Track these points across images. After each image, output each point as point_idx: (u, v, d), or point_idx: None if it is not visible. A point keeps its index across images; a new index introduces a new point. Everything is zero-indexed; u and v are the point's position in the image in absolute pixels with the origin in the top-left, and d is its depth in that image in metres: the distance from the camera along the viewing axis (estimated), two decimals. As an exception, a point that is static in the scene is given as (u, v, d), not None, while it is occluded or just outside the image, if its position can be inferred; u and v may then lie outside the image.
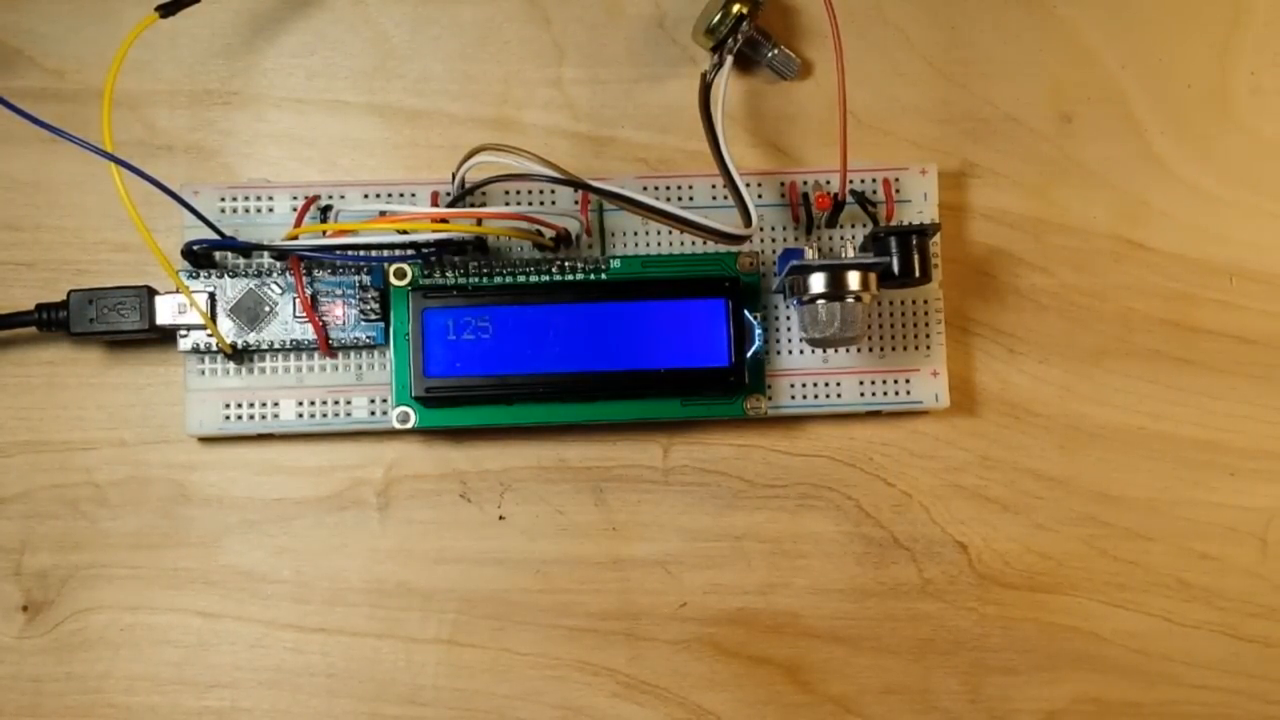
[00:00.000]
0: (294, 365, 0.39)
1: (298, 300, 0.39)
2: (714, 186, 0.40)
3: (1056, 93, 0.42)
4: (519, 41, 0.42)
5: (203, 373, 0.39)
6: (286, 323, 0.39)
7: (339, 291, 0.39)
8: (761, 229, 0.40)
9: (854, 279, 0.37)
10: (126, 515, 0.40)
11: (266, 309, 0.39)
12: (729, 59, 0.39)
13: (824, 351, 0.40)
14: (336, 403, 0.39)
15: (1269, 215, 0.42)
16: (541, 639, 0.40)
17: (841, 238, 0.40)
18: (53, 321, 0.38)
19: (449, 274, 0.39)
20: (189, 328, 0.39)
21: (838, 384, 0.40)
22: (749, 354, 0.39)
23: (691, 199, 0.40)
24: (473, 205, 0.40)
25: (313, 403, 0.39)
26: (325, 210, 0.39)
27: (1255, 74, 0.42)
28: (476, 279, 0.39)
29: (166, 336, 0.39)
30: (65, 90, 0.41)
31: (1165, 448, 0.41)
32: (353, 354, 0.40)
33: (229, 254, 0.39)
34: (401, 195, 0.40)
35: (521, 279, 0.39)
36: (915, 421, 0.41)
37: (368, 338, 0.39)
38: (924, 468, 0.41)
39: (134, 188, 0.36)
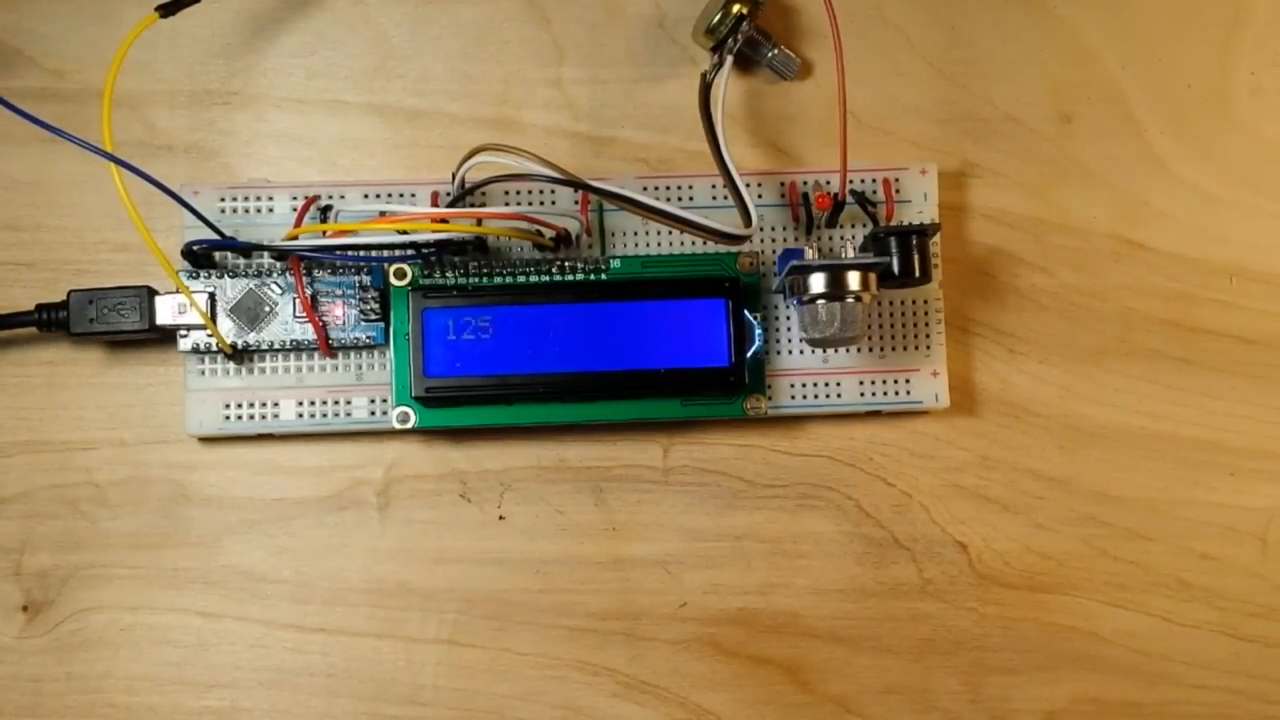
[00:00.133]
0: (294, 365, 0.39)
1: (298, 300, 0.39)
2: (714, 186, 0.40)
3: (1056, 93, 0.42)
4: (519, 41, 0.42)
5: (203, 373, 0.39)
6: (286, 323, 0.39)
7: (339, 291, 0.39)
8: (761, 229, 0.40)
9: (854, 279, 0.37)
10: (126, 515, 0.40)
11: (266, 309, 0.39)
12: (729, 59, 0.39)
13: (824, 351, 0.40)
14: (336, 403, 0.39)
15: (1269, 215, 0.42)
16: (541, 639, 0.40)
17: (841, 238, 0.40)
18: (53, 321, 0.38)
19: (449, 274, 0.39)
20: (189, 328, 0.39)
21: (838, 384, 0.40)
22: (749, 354, 0.39)
23: (691, 199, 0.40)
24: (473, 205, 0.40)
25: (313, 403, 0.39)
26: (325, 210, 0.39)
27: (1255, 74, 0.42)
28: (476, 279, 0.39)
29: (166, 336, 0.39)
30: (65, 90, 0.41)
31: (1165, 448, 0.41)
32: (353, 354, 0.40)
33: (229, 254, 0.39)
34: (401, 195, 0.40)
35: (521, 279, 0.39)
36: (915, 421, 0.41)
37: (368, 338, 0.39)
38: (924, 468, 0.41)
39: (134, 188, 0.36)
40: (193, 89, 0.41)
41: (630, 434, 0.41)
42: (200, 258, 0.39)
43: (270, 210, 0.40)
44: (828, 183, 0.40)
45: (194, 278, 0.39)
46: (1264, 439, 0.41)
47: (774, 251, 0.40)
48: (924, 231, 0.38)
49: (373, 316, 0.39)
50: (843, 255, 0.38)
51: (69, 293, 0.38)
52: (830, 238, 0.41)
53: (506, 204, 0.40)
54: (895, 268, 0.38)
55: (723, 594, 0.40)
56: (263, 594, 0.40)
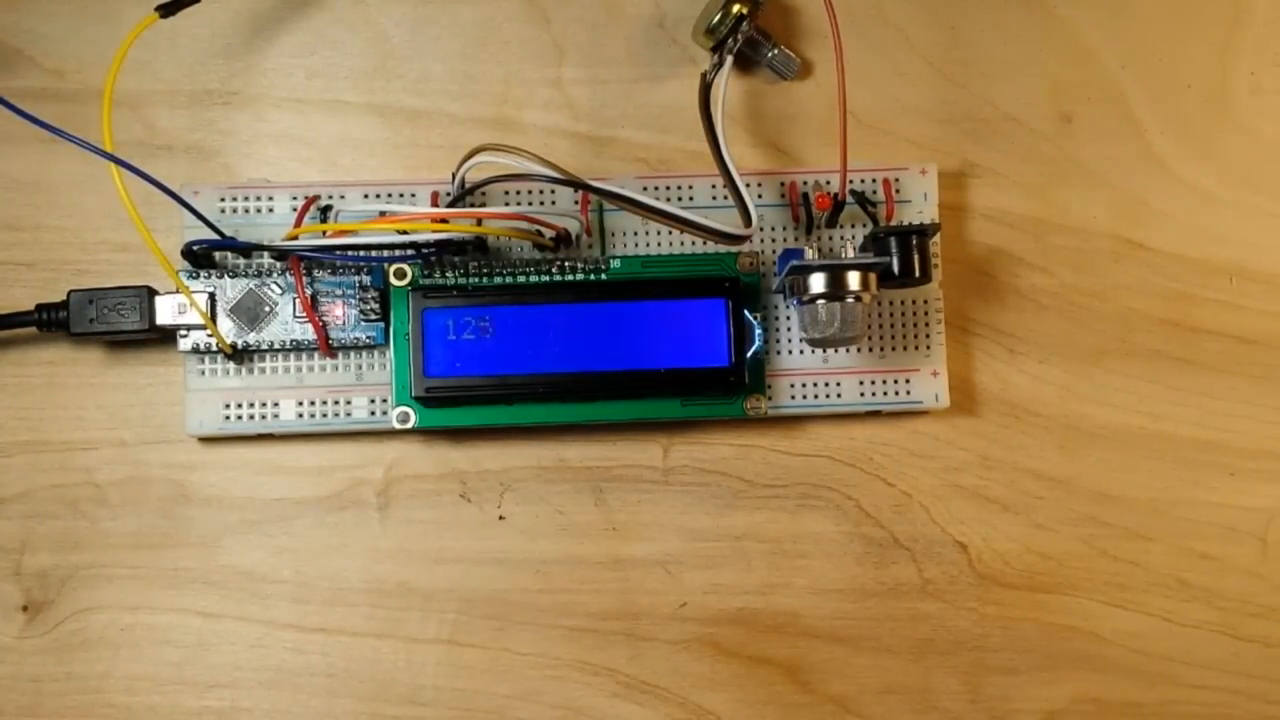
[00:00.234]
0: (294, 365, 0.39)
1: (298, 300, 0.39)
2: (714, 186, 0.40)
3: (1056, 93, 0.42)
4: (519, 41, 0.42)
5: (203, 373, 0.39)
6: (286, 323, 0.39)
7: (339, 291, 0.39)
8: (761, 229, 0.40)
9: (854, 279, 0.37)
10: (126, 515, 0.40)
11: (266, 309, 0.39)
12: (729, 59, 0.39)
13: (824, 351, 0.40)
14: (336, 403, 0.39)
15: (1269, 215, 0.42)
16: (541, 639, 0.40)
17: (841, 238, 0.40)
18: (53, 321, 0.38)
19: (449, 274, 0.39)
20: (189, 328, 0.39)
21: (838, 384, 0.40)
22: (749, 354, 0.39)
23: (691, 199, 0.40)
24: (473, 205, 0.40)
25: (313, 403, 0.39)
26: (325, 210, 0.39)
27: (1255, 74, 0.42)
28: (476, 279, 0.39)
29: (166, 336, 0.39)
30: (65, 90, 0.41)
31: (1165, 448, 0.41)
32: (353, 354, 0.40)
33: (229, 254, 0.39)
34: (401, 195, 0.40)
35: (521, 279, 0.39)
36: (915, 421, 0.41)
37: (368, 338, 0.39)
38: (924, 468, 0.41)
39: (134, 188, 0.36)
40: (193, 89, 0.41)
41: (630, 434, 0.41)
42: (200, 258, 0.39)
43: (270, 210, 0.40)
44: (828, 183, 0.40)
45: (194, 278, 0.39)
46: (1264, 439, 0.41)
47: (774, 251, 0.40)
48: (924, 231, 0.38)
49: (373, 316, 0.39)
50: (843, 255, 0.38)
51: (69, 293, 0.38)
52: (830, 238, 0.41)
53: (506, 204, 0.40)
54: (895, 268, 0.38)
55: (723, 594, 0.40)
56: (263, 594, 0.40)
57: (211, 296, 0.39)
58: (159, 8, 0.38)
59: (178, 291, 0.38)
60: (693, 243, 0.40)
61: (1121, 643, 0.41)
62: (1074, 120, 0.42)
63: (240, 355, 0.39)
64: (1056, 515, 0.41)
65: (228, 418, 0.39)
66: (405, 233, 0.38)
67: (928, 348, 0.40)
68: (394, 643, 0.40)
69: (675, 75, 0.42)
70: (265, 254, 0.39)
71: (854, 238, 0.40)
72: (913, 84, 0.42)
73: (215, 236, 0.39)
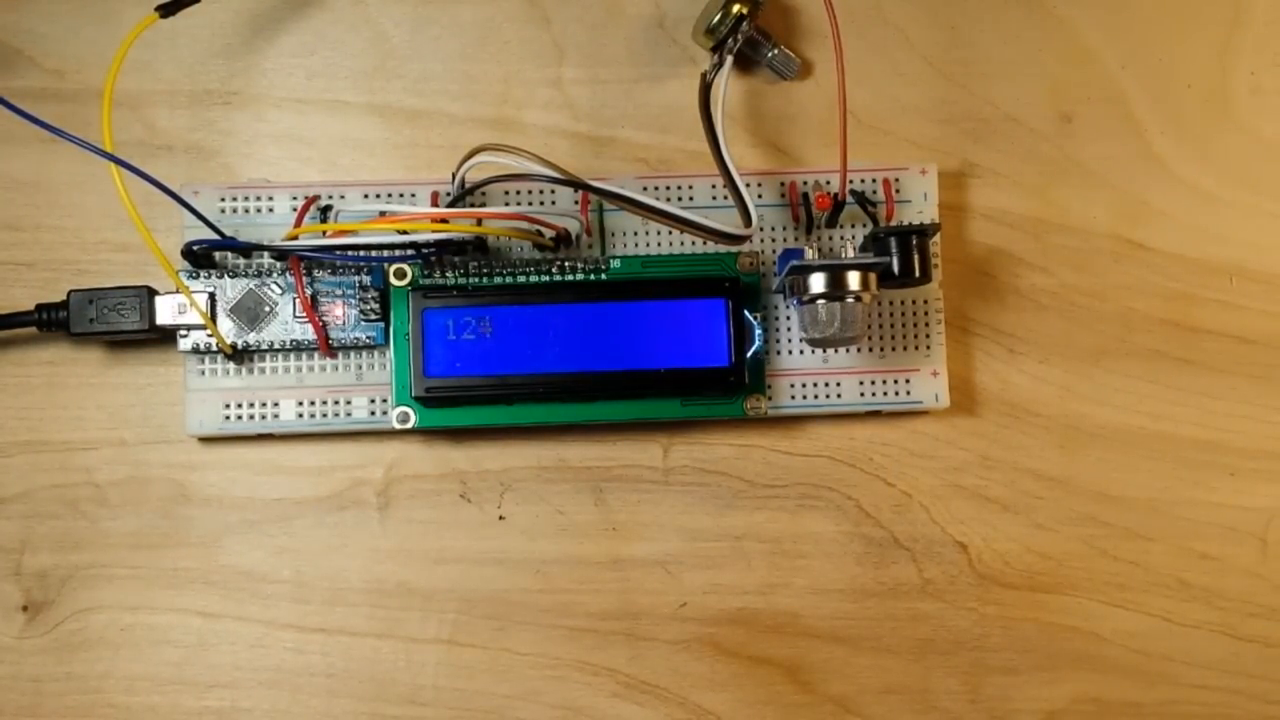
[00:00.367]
0: (294, 365, 0.39)
1: (298, 300, 0.39)
2: (714, 186, 0.40)
3: (1056, 93, 0.42)
4: (519, 41, 0.42)
5: (203, 373, 0.39)
6: (286, 323, 0.39)
7: (339, 291, 0.39)
8: (761, 229, 0.40)
9: (854, 279, 0.37)
10: (126, 515, 0.40)
11: (266, 309, 0.39)
12: (729, 59, 0.39)
13: (824, 351, 0.40)
14: (336, 403, 0.39)
15: (1269, 215, 0.42)
16: (541, 639, 0.40)
17: (841, 238, 0.40)
18: (53, 321, 0.38)
19: (449, 274, 0.39)
20: (189, 328, 0.39)
21: (838, 384, 0.40)
22: (749, 354, 0.39)
23: (691, 199, 0.40)
24: (473, 205, 0.40)
25: (313, 403, 0.39)
26: (325, 210, 0.39)
27: (1255, 74, 0.42)
28: (476, 279, 0.39)
29: (166, 336, 0.39)
30: (65, 90, 0.41)
31: (1165, 448, 0.41)
32: (353, 354, 0.40)
33: (229, 254, 0.39)
34: (401, 195, 0.40)
35: (521, 279, 0.39)
36: (915, 421, 0.41)
37: (368, 338, 0.39)
38: (924, 468, 0.41)
39: (134, 188, 0.36)
40: (193, 89, 0.41)
41: (630, 434, 0.41)
42: (200, 258, 0.39)
43: (270, 210, 0.40)
44: (828, 183, 0.40)
45: (194, 278, 0.39)
46: (1264, 439, 0.41)
47: (774, 251, 0.40)
48: (924, 231, 0.38)
49: (373, 316, 0.39)
50: (843, 255, 0.38)
51: (69, 293, 0.38)
52: (830, 238, 0.41)
53: (506, 204, 0.40)
54: (895, 268, 0.38)
55: (723, 594, 0.40)
56: (263, 594, 0.40)
57: (211, 296, 0.39)
58: (159, 8, 0.38)
59: (178, 291, 0.38)
60: (693, 243, 0.40)
61: (1121, 643, 0.41)
62: (1074, 120, 0.42)
63: (240, 355, 0.39)
64: (1056, 515, 0.41)
65: (228, 418, 0.39)
66: (405, 233, 0.38)
67: (928, 348, 0.40)
68: (394, 643, 0.40)
69: (675, 75, 0.42)
70: (265, 254, 0.39)
71: (854, 238, 0.40)
72: (913, 84, 0.42)
73: (215, 236, 0.39)
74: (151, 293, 0.39)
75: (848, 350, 0.40)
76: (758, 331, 0.39)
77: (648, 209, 0.37)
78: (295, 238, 0.39)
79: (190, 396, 0.39)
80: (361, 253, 0.39)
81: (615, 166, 0.41)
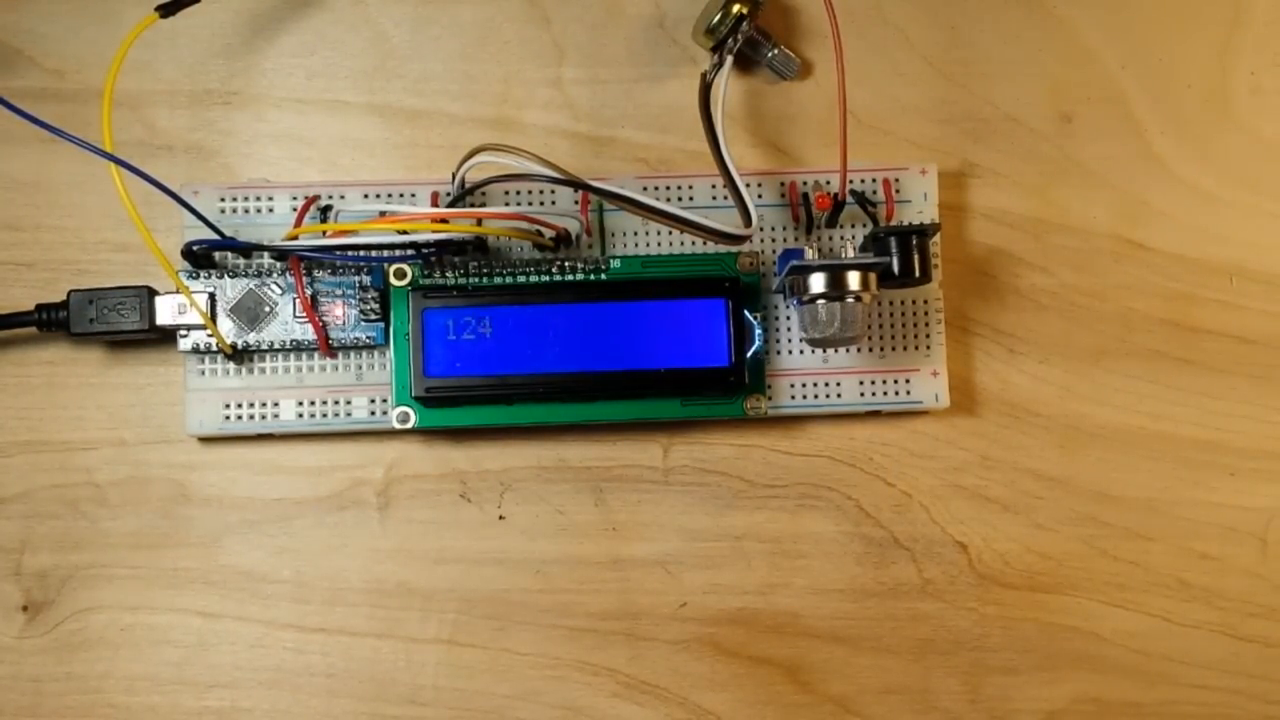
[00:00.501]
0: (294, 365, 0.39)
1: (298, 300, 0.39)
2: (714, 186, 0.40)
3: (1056, 93, 0.42)
4: (519, 41, 0.42)
5: (203, 373, 0.39)
6: (286, 323, 0.39)
7: (339, 291, 0.39)
8: (761, 229, 0.40)
9: (854, 279, 0.37)
10: (126, 515, 0.40)
11: (266, 309, 0.39)
12: (729, 59, 0.39)
13: (824, 351, 0.40)
14: (336, 403, 0.39)
15: (1269, 215, 0.42)
16: (541, 639, 0.40)
17: (841, 238, 0.40)
18: (53, 321, 0.38)
19: (449, 274, 0.39)
20: (189, 328, 0.39)
21: (838, 384, 0.40)
22: (749, 354, 0.39)
23: (691, 199, 0.40)
24: (473, 205, 0.40)
25: (313, 403, 0.39)
26: (325, 210, 0.39)
27: (1255, 74, 0.42)
28: (476, 279, 0.39)
29: (166, 336, 0.39)
30: (65, 90, 0.41)
31: (1165, 448, 0.41)
32: (353, 354, 0.40)
33: (229, 254, 0.39)
34: (401, 195, 0.40)
35: (521, 279, 0.39)
36: (915, 421, 0.41)
37: (368, 338, 0.39)
38: (924, 468, 0.41)
39: (134, 188, 0.36)
40: (193, 89, 0.41)
41: (630, 434, 0.41)
42: (200, 258, 0.39)
43: (270, 210, 0.40)
44: (828, 183, 0.40)
45: (194, 278, 0.39)
46: (1264, 439, 0.41)
47: (774, 251, 0.40)
48: (924, 231, 0.38)
49: (373, 316, 0.39)
50: (843, 255, 0.38)
51: (69, 293, 0.38)
52: (830, 238, 0.41)
53: (506, 204, 0.40)
54: (895, 268, 0.38)
55: (723, 594, 0.40)
56: (263, 594, 0.40)
57: (211, 296, 0.39)
58: (159, 8, 0.38)
59: (178, 291, 0.38)
60: (693, 243, 0.40)
61: (1121, 643, 0.41)
62: (1074, 120, 0.42)
63: (240, 355, 0.39)
64: (1056, 515, 0.41)
65: (228, 418, 0.39)
66: (405, 233, 0.38)
67: (928, 348, 0.40)
68: (394, 643, 0.40)
69: (675, 75, 0.42)
70: (265, 254, 0.39)
71: (854, 238, 0.40)
72: (913, 84, 0.42)
73: (215, 236, 0.39)
74: (151, 293, 0.39)
75: (848, 350, 0.40)
76: (758, 331, 0.39)
77: (648, 209, 0.37)
78: (295, 238, 0.39)
79: (190, 396, 0.39)
80: (361, 253, 0.39)
81: (615, 166, 0.41)
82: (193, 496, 0.40)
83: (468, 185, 0.38)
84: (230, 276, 0.39)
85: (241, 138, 0.41)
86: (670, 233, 0.40)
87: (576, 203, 0.40)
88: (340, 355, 0.39)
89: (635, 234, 0.40)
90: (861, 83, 0.41)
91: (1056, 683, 0.41)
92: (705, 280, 0.39)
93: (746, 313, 0.39)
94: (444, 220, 0.38)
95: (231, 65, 0.41)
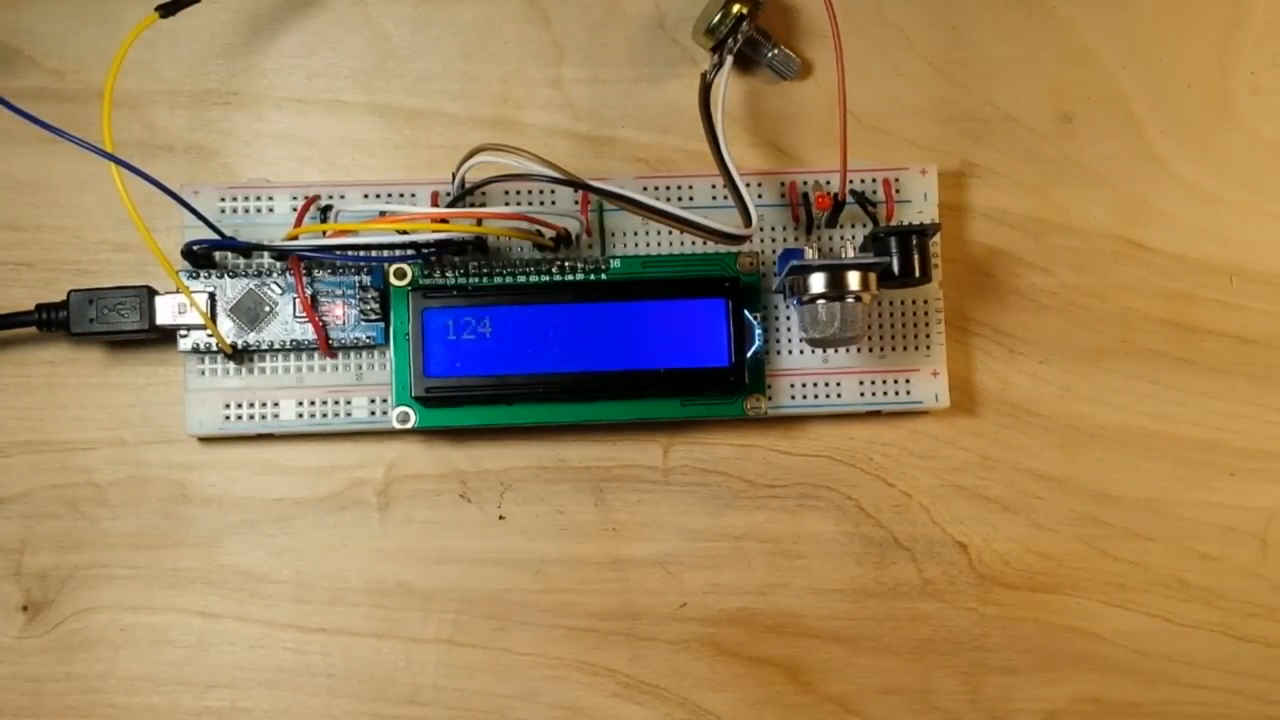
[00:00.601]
0: (294, 365, 0.39)
1: (298, 300, 0.39)
2: (714, 186, 0.40)
3: (1056, 93, 0.42)
4: (519, 41, 0.42)
5: (203, 373, 0.39)
6: (286, 323, 0.39)
7: (339, 291, 0.39)
8: (761, 229, 0.40)
9: (854, 279, 0.37)
10: (126, 515, 0.40)
11: (266, 309, 0.39)
12: (729, 59, 0.39)
13: (824, 351, 0.40)
14: (336, 403, 0.39)
15: (1269, 215, 0.42)
16: (541, 639, 0.40)
17: (841, 238, 0.40)
18: (53, 321, 0.38)
19: (449, 274, 0.39)
20: (189, 328, 0.39)
21: (838, 384, 0.40)
22: (749, 354, 0.39)
23: (691, 199, 0.40)
24: (473, 205, 0.40)
25: (313, 403, 0.39)
26: (325, 210, 0.39)
27: (1255, 74, 0.42)
28: (476, 279, 0.39)
29: (166, 336, 0.39)
30: (65, 90, 0.41)
31: (1165, 448, 0.41)
32: (353, 354, 0.40)
33: (229, 254, 0.39)
34: (401, 195, 0.40)
35: (521, 279, 0.39)
36: (915, 421, 0.41)
37: (368, 338, 0.39)
38: (924, 468, 0.41)
39: (134, 188, 0.36)
40: (193, 89, 0.41)
41: (630, 434, 0.41)
42: (200, 258, 0.39)
43: (270, 210, 0.40)
44: (828, 183, 0.40)
45: (194, 278, 0.39)
46: (1264, 439, 0.41)
47: (774, 251, 0.40)
48: (924, 231, 0.38)
49: (373, 316, 0.39)
50: (843, 255, 0.38)
51: (69, 293, 0.38)
52: (830, 238, 0.41)
53: (506, 204, 0.40)
54: (895, 268, 0.38)
55: (723, 594, 0.40)
56: (263, 594, 0.40)
57: (211, 296, 0.39)
58: (159, 8, 0.38)
59: (178, 291, 0.38)
60: (693, 243, 0.40)
61: (1121, 643, 0.41)
62: (1074, 120, 0.42)
63: (240, 355, 0.39)
64: (1056, 515, 0.41)
65: (228, 418, 0.39)
66: (405, 233, 0.38)
67: (928, 348, 0.40)
68: (394, 643, 0.40)
69: (675, 75, 0.42)
70: (265, 254, 0.39)
71: (854, 238, 0.40)
72: (913, 84, 0.42)
73: (215, 236, 0.39)
74: (151, 293, 0.39)
75: (848, 350, 0.40)
76: (758, 331, 0.39)
77: (648, 209, 0.37)
78: (295, 238, 0.39)
79: (190, 396, 0.39)
80: (361, 253, 0.39)
81: (615, 166, 0.41)
82: (193, 496, 0.40)
83: (468, 185, 0.38)
84: (230, 276, 0.39)
85: (241, 138, 0.41)
86: (670, 233, 0.40)
87: (576, 203, 0.40)
88: (340, 355, 0.39)
89: (635, 234, 0.40)
90: (861, 83, 0.41)
91: (1056, 683, 0.41)
92: (705, 280, 0.39)
93: (746, 313, 0.39)
94: (444, 220, 0.38)
95: (231, 65, 0.41)
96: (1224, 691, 0.41)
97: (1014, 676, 0.40)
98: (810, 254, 0.38)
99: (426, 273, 0.39)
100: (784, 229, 0.40)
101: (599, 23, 0.42)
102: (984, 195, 0.42)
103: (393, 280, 0.39)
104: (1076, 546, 0.41)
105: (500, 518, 0.40)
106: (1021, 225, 0.42)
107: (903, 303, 0.40)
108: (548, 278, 0.39)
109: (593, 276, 0.39)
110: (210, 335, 0.39)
